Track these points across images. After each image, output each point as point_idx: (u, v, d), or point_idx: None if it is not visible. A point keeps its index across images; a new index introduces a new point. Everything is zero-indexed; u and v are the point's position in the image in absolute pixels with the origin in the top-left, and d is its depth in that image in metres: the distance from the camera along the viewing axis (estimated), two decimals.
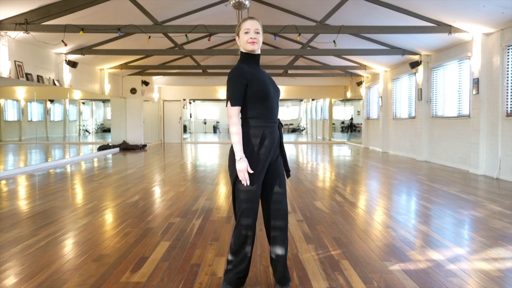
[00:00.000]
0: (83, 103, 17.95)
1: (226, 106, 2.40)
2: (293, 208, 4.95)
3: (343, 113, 22.96)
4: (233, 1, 7.33)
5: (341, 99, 19.17)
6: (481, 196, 5.74)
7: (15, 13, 7.68)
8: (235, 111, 2.36)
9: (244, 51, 2.46)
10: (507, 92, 7.37)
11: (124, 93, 15.74)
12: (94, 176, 7.99)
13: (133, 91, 15.77)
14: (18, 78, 8.75)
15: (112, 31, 8.36)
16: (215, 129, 30.14)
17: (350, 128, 24.12)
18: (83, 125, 18.17)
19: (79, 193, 6.12)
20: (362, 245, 3.54)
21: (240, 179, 2.35)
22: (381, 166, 9.52)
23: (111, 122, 15.91)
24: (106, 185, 6.81)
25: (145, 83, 16.20)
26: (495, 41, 7.66)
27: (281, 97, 2.67)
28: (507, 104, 7.38)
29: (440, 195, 5.79)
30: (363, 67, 13.80)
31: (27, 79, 9.10)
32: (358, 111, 23.28)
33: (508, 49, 7.35)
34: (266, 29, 8.36)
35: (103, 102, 19.97)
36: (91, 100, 18.29)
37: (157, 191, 6.28)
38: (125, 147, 14.64)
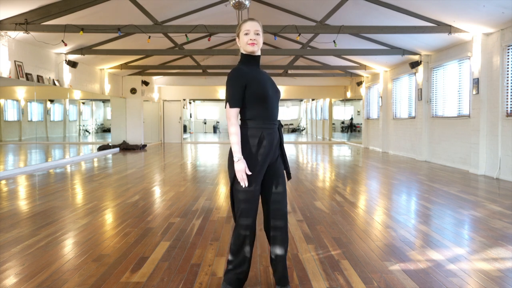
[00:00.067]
0: (83, 103, 17.95)
1: (225, 107, 2.40)
2: (293, 208, 4.95)
3: (343, 113, 22.96)
4: (233, 1, 7.34)
5: (341, 99, 19.17)
6: (481, 196, 5.74)
7: (15, 13, 7.68)
8: (234, 112, 2.37)
9: (244, 52, 2.46)
10: (507, 92, 7.37)
11: (124, 93, 15.74)
12: (94, 176, 7.99)
13: (133, 91, 15.77)
14: (18, 78, 8.75)
15: (112, 31, 8.36)
16: (215, 129, 30.15)
17: (350, 128, 24.13)
18: (83, 125, 18.17)
19: (79, 193, 6.12)
20: (362, 245, 3.54)
21: (238, 180, 2.36)
22: (381, 166, 9.52)
23: (111, 122, 15.91)
24: (106, 185, 6.81)
25: (145, 83, 16.20)
26: (495, 41, 7.66)
27: (281, 97, 2.65)
28: (507, 104, 7.38)
29: (440, 195, 5.79)
30: (363, 67, 13.80)
31: (27, 79, 9.10)
32: (358, 111, 23.29)
33: (508, 49, 7.35)
34: (266, 29, 8.36)
35: (103, 102, 19.97)
36: (91, 100, 18.29)
37: (157, 191, 6.28)
38: (125, 147, 14.64)
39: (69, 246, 3.53)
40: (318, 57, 14.55)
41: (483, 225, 4.17)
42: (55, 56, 10.38)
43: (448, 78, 9.71)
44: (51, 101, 13.70)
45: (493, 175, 7.60)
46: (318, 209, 4.91)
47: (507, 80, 7.37)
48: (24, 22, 7.78)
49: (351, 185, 6.81)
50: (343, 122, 24.48)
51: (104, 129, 20.73)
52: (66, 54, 10.52)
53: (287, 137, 22.27)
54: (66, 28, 8.05)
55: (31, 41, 8.93)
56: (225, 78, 2.51)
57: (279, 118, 2.58)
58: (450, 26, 8.00)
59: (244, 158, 2.35)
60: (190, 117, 27.87)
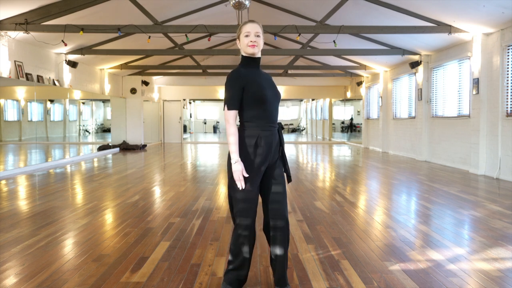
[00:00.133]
0: (83, 103, 17.95)
1: (224, 109, 2.41)
2: (293, 208, 4.95)
3: (343, 113, 22.97)
4: (233, 1, 7.34)
5: (341, 99, 19.17)
6: (481, 196, 5.74)
7: (15, 13, 7.68)
8: (232, 114, 2.38)
9: (244, 54, 2.46)
10: (507, 92, 7.37)
11: (124, 93, 15.74)
12: (94, 176, 7.99)
13: (133, 91, 15.77)
14: (18, 78, 8.75)
15: (112, 31, 8.36)
16: (215, 129, 30.15)
17: (350, 128, 24.13)
18: (83, 125, 18.17)
19: (79, 193, 6.12)
20: (362, 245, 3.54)
21: (235, 181, 2.37)
22: (381, 166, 9.52)
23: (111, 122, 15.91)
24: (106, 185, 6.81)
25: (145, 83, 16.20)
26: (495, 41, 7.66)
27: (281, 97, 2.64)
28: (507, 104, 7.38)
29: (440, 195, 5.79)
30: (363, 67, 13.80)
31: (27, 79, 9.10)
32: (358, 111, 23.29)
33: (508, 49, 7.35)
34: (266, 29, 8.36)
35: (103, 102, 19.97)
36: (91, 100, 18.29)
37: (157, 191, 6.28)
38: (125, 147, 14.64)
39: (69, 246, 3.53)
40: (318, 57, 14.55)
41: (483, 225, 4.17)
42: (55, 56, 10.38)
43: (448, 78, 9.71)
44: (51, 101, 13.70)
45: (493, 175, 7.60)
46: (318, 209, 4.91)
47: (507, 80, 7.37)
48: (24, 22, 7.78)
49: (351, 185, 6.81)
50: (343, 122, 24.48)
51: (104, 129, 20.73)
52: (66, 54, 10.52)
53: (287, 137, 22.27)
54: (66, 28, 8.05)
55: (31, 41, 8.93)
56: (225, 78, 2.51)
57: (279, 120, 2.58)
58: (450, 26, 8.00)
59: (242, 160, 2.36)
60: (190, 117, 27.88)
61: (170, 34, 10.30)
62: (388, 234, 3.89)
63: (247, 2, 7.41)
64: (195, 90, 18.73)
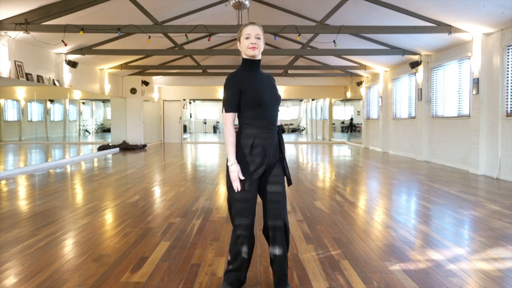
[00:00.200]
0: (83, 103, 17.95)
1: (222, 112, 2.44)
2: (293, 208, 4.95)
3: (343, 113, 22.96)
4: (233, 1, 7.34)
5: (341, 99, 19.17)
6: (481, 196, 5.74)
7: (15, 13, 7.68)
8: (229, 117, 2.41)
9: (245, 57, 2.46)
10: (507, 92, 7.37)
11: (124, 93, 15.74)
12: (94, 176, 7.99)
13: (133, 91, 15.77)
14: (18, 78, 8.75)
15: (112, 31, 8.36)
16: (215, 129, 30.16)
17: (350, 128, 24.13)
18: (83, 125, 18.17)
19: (79, 193, 6.12)
20: (362, 245, 3.54)
21: (232, 183, 2.39)
22: (381, 166, 9.52)
23: (111, 122, 15.91)
24: (106, 185, 6.81)
25: (145, 83, 16.20)
26: (495, 41, 7.66)
27: (281, 97, 2.63)
28: (507, 104, 7.37)
29: (440, 195, 5.79)
30: (363, 67, 13.80)
31: (27, 79, 9.10)
32: (358, 111, 23.29)
33: (508, 49, 7.35)
34: (266, 29, 8.36)
35: (103, 102, 19.97)
36: (91, 100, 18.29)
37: (157, 191, 6.28)
38: (125, 147, 14.64)
39: (69, 246, 3.53)
40: (318, 57, 14.55)
41: (483, 225, 4.17)
42: (55, 56, 10.38)
43: (448, 78, 9.71)
44: (51, 101, 13.71)
45: (493, 175, 7.60)
46: (318, 209, 4.91)
47: (507, 80, 7.37)
48: (24, 22, 7.78)
49: (351, 185, 6.81)
50: (343, 122, 24.48)
51: (104, 129, 20.73)
52: (66, 54, 10.52)
53: (287, 137, 22.27)
54: (66, 28, 8.05)
55: (31, 41, 8.93)
56: (225, 78, 2.52)
57: (280, 122, 2.58)
58: (450, 26, 8.00)
59: (238, 161, 2.39)
60: (190, 117, 27.88)
61: (170, 34, 10.30)
62: (388, 234, 3.89)
63: (247, 2, 7.42)
64: (195, 90, 18.73)
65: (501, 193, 6.02)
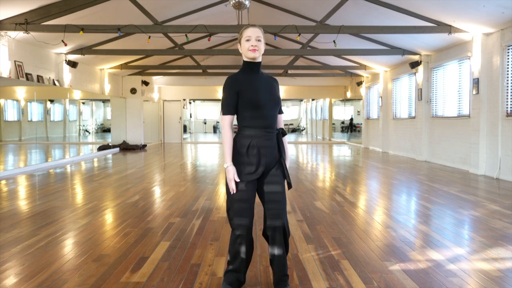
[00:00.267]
0: (83, 103, 17.95)
1: (220, 114, 2.44)
2: (293, 208, 4.95)
3: (343, 113, 22.97)
4: (233, 1, 7.34)
5: (341, 99, 19.17)
6: (481, 196, 5.74)
7: (15, 13, 7.68)
8: (227, 120, 2.43)
9: (245, 59, 2.46)
10: (507, 92, 7.37)
11: (124, 93, 15.74)
12: (94, 176, 7.99)
13: (133, 91, 15.77)
14: (18, 78, 8.75)
15: (112, 31, 8.36)
16: (215, 129, 30.16)
17: (350, 128, 24.14)
18: (83, 125, 18.18)
19: (79, 193, 6.12)
20: (362, 245, 3.54)
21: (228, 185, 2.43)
22: (381, 166, 9.52)
23: (111, 122, 15.91)
24: (106, 185, 6.81)
25: (145, 83, 16.20)
26: (495, 41, 7.66)
27: (281, 97, 2.61)
28: (507, 104, 7.38)
29: (440, 195, 5.79)
30: (363, 67, 13.80)
31: (27, 79, 9.10)
32: (358, 111, 23.29)
33: (508, 49, 7.35)
34: (266, 29, 8.36)
35: (103, 102, 19.98)
36: (91, 100, 18.29)
37: (157, 191, 6.28)
38: (125, 147, 14.64)
39: (69, 246, 3.53)
40: (318, 57, 14.55)
41: (483, 225, 4.17)
42: (55, 56, 10.38)
43: (448, 78, 9.71)
44: (51, 101, 13.71)
45: (493, 175, 7.60)
46: (318, 209, 4.91)
47: (507, 80, 7.37)
48: (24, 22, 7.78)
49: (351, 185, 6.81)
50: (343, 122, 24.49)
51: (104, 129, 20.74)
52: (66, 54, 10.52)
53: (286, 137, 22.22)
54: (66, 28, 8.05)
55: (31, 41, 8.93)
56: (225, 78, 2.54)
57: (282, 127, 2.57)
58: (450, 26, 8.00)
59: (235, 163, 2.41)
60: (190, 117, 27.88)
61: (170, 34, 10.30)
62: (388, 234, 3.89)
63: (247, 2, 7.42)
64: (195, 90, 18.73)
65: (501, 193, 6.02)
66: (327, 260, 3.14)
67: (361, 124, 16.79)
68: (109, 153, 13.17)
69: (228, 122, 2.43)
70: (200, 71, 15.10)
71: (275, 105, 2.48)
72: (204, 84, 18.05)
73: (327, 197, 5.69)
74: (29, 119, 11.89)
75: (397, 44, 10.39)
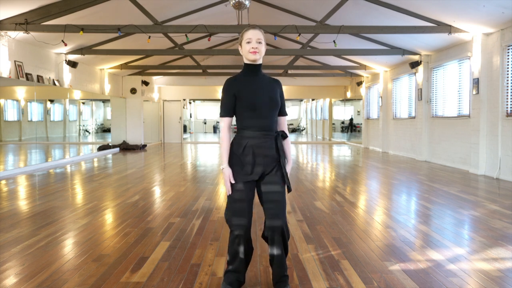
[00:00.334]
0: (83, 103, 17.96)
1: (219, 116, 2.50)
2: (293, 208, 4.95)
3: (343, 113, 22.97)
4: (233, 1, 7.34)
5: (341, 99, 19.17)
6: (481, 196, 5.74)
7: (15, 13, 7.68)
8: (224, 121, 2.46)
9: (246, 61, 2.47)
10: (507, 92, 7.37)
11: (124, 93, 15.74)
12: (94, 176, 7.99)
13: (133, 91, 15.77)
14: (18, 78, 8.75)
15: (112, 31, 8.36)
16: (215, 129, 30.16)
17: (350, 128, 24.15)
18: (83, 125, 18.18)
19: (79, 193, 6.12)
20: (362, 245, 3.54)
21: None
22: (381, 166, 9.52)
23: (111, 122, 15.92)
24: (106, 185, 6.81)
25: (145, 83, 16.20)
26: (495, 41, 7.66)
27: (277, 104, 2.56)
28: (507, 104, 7.37)
29: (440, 195, 5.79)
30: (363, 67, 13.80)
31: (27, 79, 9.10)
32: (358, 111, 23.30)
33: (508, 49, 7.35)
34: (266, 29, 8.36)
35: (103, 102, 19.98)
36: (91, 100, 18.30)
37: (157, 191, 6.28)
38: (125, 147, 14.64)
39: (69, 246, 3.53)
40: (318, 57, 14.55)
41: (483, 225, 4.17)
42: (55, 56, 10.38)
43: (448, 78, 9.71)
44: (51, 101, 13.71)
45: (493, 175, 7.60)
46: (318, 209, 4.91)
47: (507, 80, 7.37)
48: (24, 22, 7.78)
49: (351, 185, 6.81)
50: (343, 122, 24.49)
51: (104, 129, 20.74)
52: (66, 54, 10.52)
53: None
54: (66, 28, 8.05)
55: (31, 41, 8.93)
56: (225, 78, 2.55)
57: (282, 130, 2.56)
58: (450, 26, 8.00)
59: (231, 164, 2.44)
60: (190, 117, 27.88)
61: (170, 34, 10.30)
62: (388, 234, 3.89)
63: (247, 2, 7.42)
64: (195, 90, 18.72)
65: (501, 193, 6.02)
66: (327, 260, 3.14)
67: (361, 124, 16.79)
68: (109, 153, 13.17)
69: (226, 124, 2.46)
70: (200, 71, 15.10)
71: (273, 107, 2.46)
72: (204, 84, 18.05)
73: (327, 197, 5.69)
74: (29, 119, 11.89)
75: (397, 44, 10.39)
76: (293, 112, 31.56)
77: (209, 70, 15.03)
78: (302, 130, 29.44)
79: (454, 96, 9.39)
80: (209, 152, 13.90)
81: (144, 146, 15.32)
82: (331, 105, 19.66)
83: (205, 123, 30.52)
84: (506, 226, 4.14)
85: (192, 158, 11.89)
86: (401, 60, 11.66)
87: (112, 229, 4.07)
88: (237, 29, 9.27)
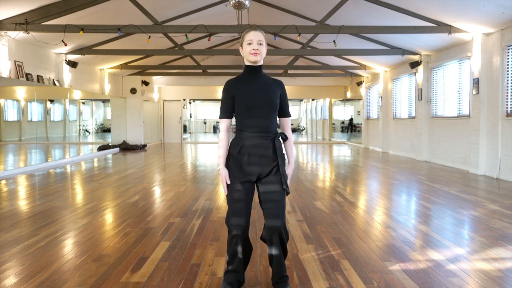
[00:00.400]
0: (83, 103, 17.96)
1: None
2: (293, 208, 4.95)
3: (343, 113, 22.97)
4: (233, 1, 7.34)
5: (341, 99, 19.17)
6: (481, 196, 5.74)
7: (15, 13, 7.68)
8: (223, 123, 2.50)
9: (247, 63, 2.47)
10: (507, 92, 7.37)
11: (124, 93, 15.74)
12: (94, 176, 7.99)
13: (133, 91, 15.77)
14: (18, 78, 8.75)
15: (112, 31, 8.36)
16: (215, 129, 30.16)
17: (350, 128, 24.15)
18: (83, 125, 18.18)
19: (79, 193, 6.12)
20: (362, 245, 3.54)
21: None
22: (381, 166, 9.52)
23: (111, 122, 15.92)
24: (106, 185, 6.81)
25: (145, 83, 16.20)
26: (495, 41, 7.66)
27: (274, 105, 2.53)
28: (507, 104, 7.37)
29: (440, 195, 5.79)
30: (363, 67, 13.80)
31: (27, 79, 9.10)
32: (358, 111, 23.30)
33: (508, 49, 7.35)
34: (266, 29, 8.36)
35: (103, 102, 19.98)
36: (91, 100, 18.30)
37: (157, 191, 6.28)
38: (125, 147, 14.64)
39: (69, 246, 3.53)
40: (318, 57, 14.55)
41: (483, 225, 4.17)
42: (55, 56, 10.38)
43: (448, 78, 9.71)
44: (51, 101, 13.71)
45: (493, 175, 7.60)
46: (318, 209, 4.91)
47: (507, 80, 7.37)
48: (24, 22, 7.78)
49: (351, 185, 6.81)
50: (343, 122, 24.49)
51: (104, 129, 20.75)
52: (66, 54, 10.52)
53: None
54: (66, 28, 8.05)
55: (31, 41, 8.93)
56: (225, 78, 2.56)
57: (282, 132, 2.56)
58: (450, 26, 8.00)
59: (228, 165, 2.48)
60: (190, 117, 27.88)
61: (170, 34, 10.30)
62: (388, 234, 3.89)
63: (247, 2, 7.42)
64: (195, 90, 18.72)
65: (501, 193, 6.02)
66: (327, 260, 3.14)
67: (361, 124, 16.78)
68: (109, 153, 13.17)
69: (224, 126, 2.50)
70: (200, 71, 15.10)
71: (271, 108, 2.44)
72: (204, 84, 18.04)
73: (327, 197, 5.69)
74: (29, 119, 11.90)
75: (397, 44, 10.39)
76: (293, 112, 31.55)
77: (209, 70, 15.03)
78: (302, 130, 29.45)
79: (454, 96, 9.39)
80: (209, 152, 13.90)
81: (144, 146, 15.32)
82: (331, 105, 19.66)
83: (205, 123, 30.52)
84: (506, 226, 4.14)
85: (192, 158, 11.89)
86: (401, 60, 11.66)
87: (112, 229, 4.07)
88: (237, 29, 9.27)
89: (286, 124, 2.59)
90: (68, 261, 3.13)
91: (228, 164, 2.48)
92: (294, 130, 30.64)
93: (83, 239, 3.70)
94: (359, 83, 15.84)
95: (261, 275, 2.86)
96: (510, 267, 3.03)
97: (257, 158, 2.43)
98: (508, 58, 7.36)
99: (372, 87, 15.14)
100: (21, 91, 11.22)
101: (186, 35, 9.01)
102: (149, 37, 8.95)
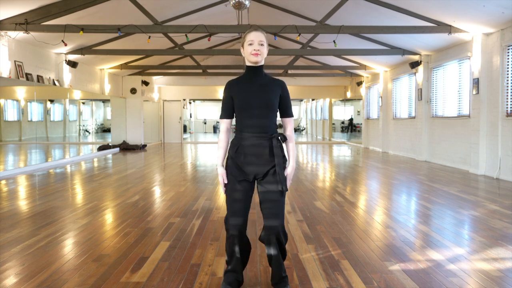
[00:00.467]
0: (83, 103, 17.96)
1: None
2: (293, 208, 4.95)
3: (343, 113, 22.97)
4: (233, 1, 7.34)
5: (341, 99, 19.17)
6: (481, 196, 5.74)
7: (15, 13, 7.68)
8: (223, 123, 2.53)
9: (247, 63, 2.47)
10: (507, 92, 7.37)
11: (124, 93, 15.74)
12: (94, 176, 7.99)
13: (133, 91, 15.77)
14: (18, 78, 8.75)
15: (112, 31, 8.36)
16: (215, 129, 30.16)
17: (350, 128, 24.15)
18: (83, 125, 18.18)
19: (79, 193, 6.12)
20: (362, 245, 3.54)
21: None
22: (381, 166, 9.52)
23: (111, 122, 15.92)
24: (106, 185, 6.81)
25: (145, 83, 16.20)
26: (495, 41, 7.66)
27: (271, 105, 2.50)
28: (507, 104, 7.37)
29: (440, 195, 5.79)
30: (363, 67, 13.80)
31: (27, 79, 9.10)
32: (358, 111, 23.30)
33: (508, 49, 7.35)
34: (266, 29, 8.36)
35: (103, 102, 19.98)
36: (91, 100, 18.30)
37: (157, 191, 6.28)
38: (125, 147, 14.64)
39: (69, 246, 3.53)
40: (318, 57, 14.54)
41: (483, 225, 4.17)
42: (55, 56, 10.38)
43: (448, 78, 9.71)
44: (51, 101, 13.71)
45: (493, 175, 7.60)
46: (318, 209, 4.91)
47: (507, 80, 7.37)
48: (24, 22, 7.78)
49: (351, 185, 6.81)
50: (343, 122, 24.49)
51: (104, 129, 20.75)
52: (66, 54, 10.52)
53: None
54: (66, 28, 8.05)
55: (31, 41, 8.93)
56: (225, 78, 2.57)
57: (281, 132, 2.54)
58: (450, 26, 8.00)
59: (227, 165, 2.51)
60: (190, 117, 27.88)
61: (170, 34, 10.30)
62: (388, 234, 3.89)
63: (247, 2, 7.42)
64: (195, 90, 18.72)
65: (501, 193, 6.02)
66: (327, 260, 3.14)
67: (361, 124, 16.78)
68: (109, 153, 13.17)
69: (223, 126, 2.53)
70: (200, 71, 15.10)
71: (269, 108, 2.43)
72: (204, 84, 18.04)
73: (327, 197, 5.69)
74: (29, 119, 11.90)
75: (397, 44, 10.39)
76: (293, 112, 31.15)
77: (209, 70, 15.03)
78: (302, 130, 29.45)
79: (454, 96, 9.39)
80: (209, 152, 13.90)
81: (144, 146, 15.32)
82: (331, 105, 19.66)
83: (205, 123, 30.52)
84: (506, 226, 4.14)
85: (192, 158, 11.89)
86: (401, 60, 11.66)
87: (112, 229, 4.07)
88: (237, 29, 9.27)
89: (289, 124, 2.56)
90: (68, 261, 3.13)
91: (226, 164, 2.51)
92: (294, 130, 30.58)
93: (83, 239, 3.70)
94: (359, 83, 15.84)
95: (261, 275, 2.86)
96: (510, 267, 3.03)
97: (254, 158, 2.43)
98: (508, 58, 7.36)
99: (372, 87, 15.14)
100: (21, 91, 11.22)
101: (186, 35, 9.01)
102: (149, 37, 8.95)
